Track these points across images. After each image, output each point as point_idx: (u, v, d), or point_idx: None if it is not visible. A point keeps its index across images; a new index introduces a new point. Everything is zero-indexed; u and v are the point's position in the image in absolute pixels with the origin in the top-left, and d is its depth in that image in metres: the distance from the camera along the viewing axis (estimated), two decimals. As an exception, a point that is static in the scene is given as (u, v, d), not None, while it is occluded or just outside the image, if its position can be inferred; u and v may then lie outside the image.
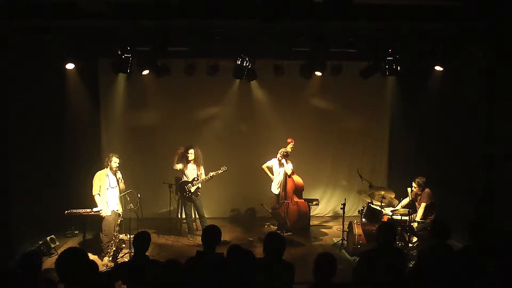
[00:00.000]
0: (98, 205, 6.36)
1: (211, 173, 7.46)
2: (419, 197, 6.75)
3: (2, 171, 6.16)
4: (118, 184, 6.59)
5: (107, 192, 6.47)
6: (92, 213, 6.32)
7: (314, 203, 8.34)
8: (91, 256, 6.19)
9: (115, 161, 6.51)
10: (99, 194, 6.39)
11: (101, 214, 6.36)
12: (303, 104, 8.98)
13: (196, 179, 7.43)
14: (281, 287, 3.65)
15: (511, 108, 6.23)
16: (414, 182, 6.75)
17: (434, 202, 6.63)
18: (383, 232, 4.05)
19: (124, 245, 6.43)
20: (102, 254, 6.46)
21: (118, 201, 6.61)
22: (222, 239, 4.09)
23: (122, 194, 6.66)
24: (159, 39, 6.35)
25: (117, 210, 6.55)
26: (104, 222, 6.40)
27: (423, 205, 6.61)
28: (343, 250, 7.00)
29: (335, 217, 9.14)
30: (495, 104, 6.64)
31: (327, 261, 3.34)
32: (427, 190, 6.67)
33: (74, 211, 6.30)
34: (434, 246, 4.08)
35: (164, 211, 8.44)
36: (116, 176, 6.57)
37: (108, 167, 6.55)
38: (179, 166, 7.49)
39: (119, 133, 8.71)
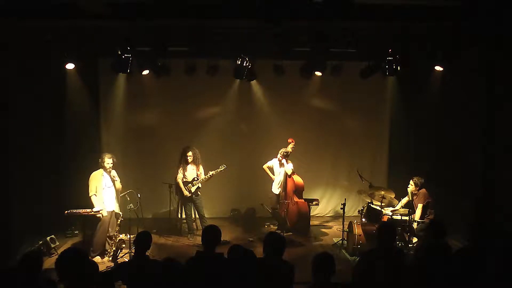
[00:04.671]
0: (95, 205, 6.33)
1: (211, 172, 7.48)
2: (415, 197, 6.77)
3: (2, 171, 6.15)
4: (114, 184, 6.56)
5: (103, 192, 6.44)
6: (92, 213, 6.31)
7: (314, 203, 8.33)
8: (91, 256, 6.21)
9: (107, 162, 6.44)
10: (95, 194, 6.36)
11: (101, 214, 6.35)
12: (303, 104, 8.97)
13: (196, 179, 7.44)
14: (281, 287, 3.65)
15: (511, 108, 6.24)
16: (412, 180, 6.77)
17: (430, 202, 6.64)
18: (383, 232, 4.05)
19: (124, 245, 6.42)
20: (103, 253, 6.47)
21: (115, 200, 6.60)
22: (222, 239, 4.08)
23: (122, 194, 6.65)
24: (159, 39, 6.34)
25: (115, 210, 6.53)
26: (99, 223, 6.38)
27: (419, 205, 6.62)
28: (343, 250, 6.99)
29: (335, 217, 9.13)
30: (495, 103, 6.64)
31: (324, 261, 3.34)
32: (423, 190, 6.68)
33: (74, 211, 6.29)
34: (431, 246, 4.09)
35: (164, 211, 8.42)
36: (110, 175, 6.54)
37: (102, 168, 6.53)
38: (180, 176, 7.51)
39: (119, 133, 8.70)
